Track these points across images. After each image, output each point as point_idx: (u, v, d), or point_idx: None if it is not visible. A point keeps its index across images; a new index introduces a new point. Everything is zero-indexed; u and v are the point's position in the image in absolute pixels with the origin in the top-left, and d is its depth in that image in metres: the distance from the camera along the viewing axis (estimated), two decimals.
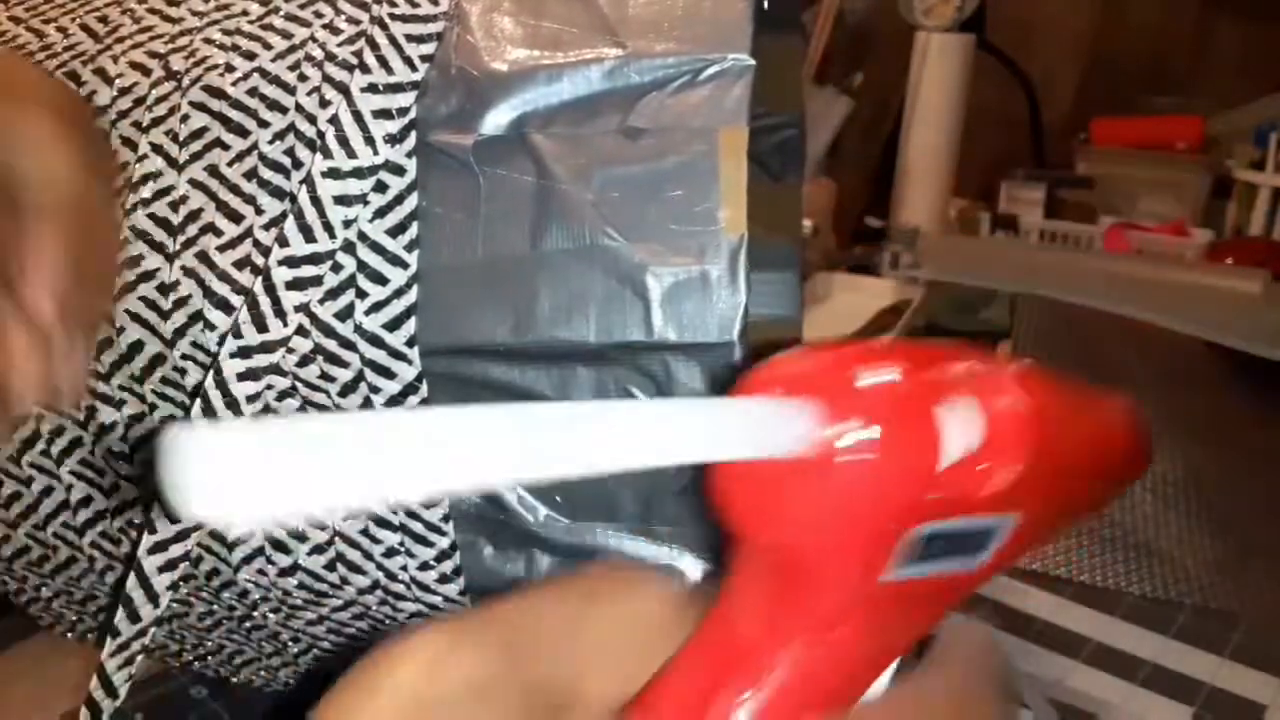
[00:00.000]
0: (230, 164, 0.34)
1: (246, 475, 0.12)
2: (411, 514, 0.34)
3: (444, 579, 0.35)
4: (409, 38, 0.33)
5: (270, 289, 0.32)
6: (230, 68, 0.34)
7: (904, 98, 1.12)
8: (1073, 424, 0.20)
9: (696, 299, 0.30)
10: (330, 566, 0.36)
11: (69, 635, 0.47)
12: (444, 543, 0.34)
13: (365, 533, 0.35)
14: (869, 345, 0.18)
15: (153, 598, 0.34)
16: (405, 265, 0.32)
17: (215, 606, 0.40)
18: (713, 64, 0.31)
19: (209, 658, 0.45)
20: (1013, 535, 0.19)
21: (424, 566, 0.35)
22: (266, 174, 0.33)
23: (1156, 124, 1.21)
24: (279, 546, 0.36)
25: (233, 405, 0.32)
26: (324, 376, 0.33)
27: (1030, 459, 0.18)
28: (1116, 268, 0.95)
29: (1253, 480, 0.70)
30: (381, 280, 0.32)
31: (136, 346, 0.34)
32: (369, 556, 0.35)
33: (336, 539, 0.36)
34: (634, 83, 0.31)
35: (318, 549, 0.36)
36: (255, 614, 0.39)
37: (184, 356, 0.34)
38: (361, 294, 0.32)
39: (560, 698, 0.19)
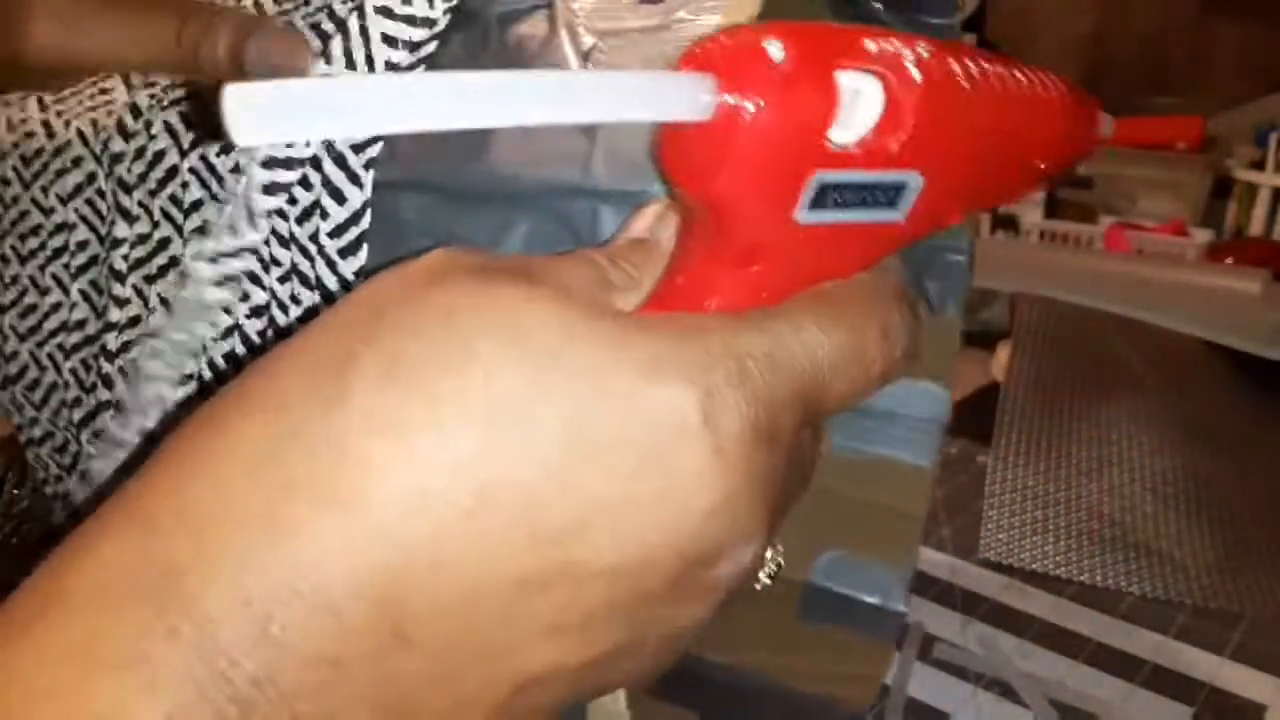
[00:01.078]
0: None
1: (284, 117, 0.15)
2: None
3: None
4: None
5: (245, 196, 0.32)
6: None
7: None
8: (984, 98, 0.22)
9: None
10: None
11: (49, 491, 0.46)
12: None
13: None
14: (784, 25, 0.20)
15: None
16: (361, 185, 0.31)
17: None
18: None
19: None
20: (924, 194, 0.21)
21: None
22: None
23: (1156, 124, 1.21)
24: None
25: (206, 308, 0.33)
26: (294, 299, 0.32)
27: (924, 126, 0.20)
28: (1116, 268, 0.95)
29: (1253, 480, 0.70)
30: (341, 199, 0.31)
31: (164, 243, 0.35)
32: None
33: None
34: None
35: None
36: None
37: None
38: (325, 214, 0.32)
39: None
